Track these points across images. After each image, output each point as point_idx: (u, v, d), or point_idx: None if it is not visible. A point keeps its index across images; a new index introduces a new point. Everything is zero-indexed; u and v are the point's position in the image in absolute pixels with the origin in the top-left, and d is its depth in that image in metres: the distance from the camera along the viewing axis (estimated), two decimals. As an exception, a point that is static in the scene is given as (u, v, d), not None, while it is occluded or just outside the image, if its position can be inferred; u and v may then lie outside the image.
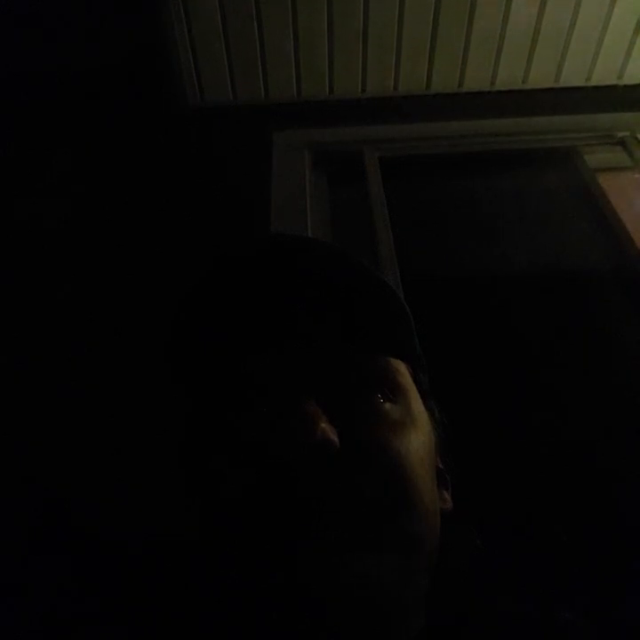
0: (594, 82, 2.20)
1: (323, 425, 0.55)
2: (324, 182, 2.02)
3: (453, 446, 0.73)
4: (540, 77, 2.18)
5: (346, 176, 2.03)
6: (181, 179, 1.94)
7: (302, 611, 0.52)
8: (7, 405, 1.32)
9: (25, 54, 2.25)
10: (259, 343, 0.63)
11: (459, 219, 1.93)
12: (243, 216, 1.78)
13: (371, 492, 0.55)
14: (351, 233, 1.86)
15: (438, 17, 2.03)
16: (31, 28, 2.22)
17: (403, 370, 0.67)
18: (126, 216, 1.81)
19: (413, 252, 1.75)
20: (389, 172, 1.96)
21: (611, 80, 2.20)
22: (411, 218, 1.90)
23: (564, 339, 1.57)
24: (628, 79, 2.20)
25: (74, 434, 1.25)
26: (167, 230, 1.75)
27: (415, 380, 0.68)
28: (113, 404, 1.30)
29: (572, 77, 2.19)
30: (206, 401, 0.65)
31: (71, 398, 1.33)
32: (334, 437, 0.55)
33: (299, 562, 0.52)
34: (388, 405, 0.62)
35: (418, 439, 0.62)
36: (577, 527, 1.15)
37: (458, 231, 1.88)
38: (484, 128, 2.07)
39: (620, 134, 2.05)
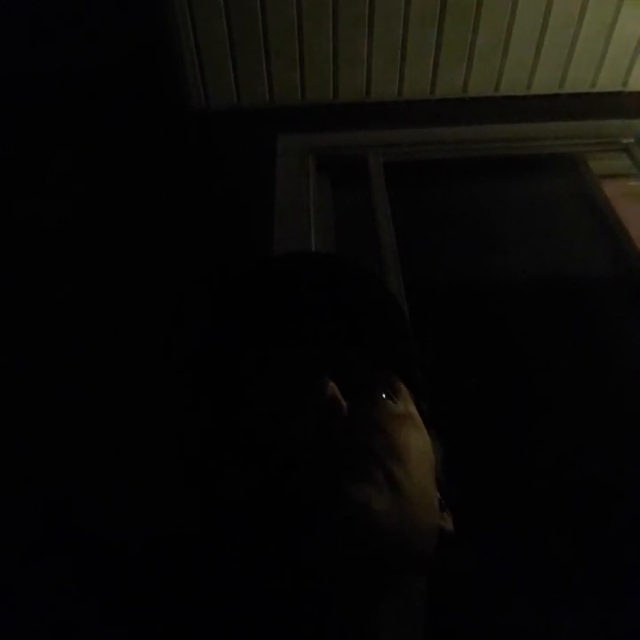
0: (598, 88, 2.21)
1: (332, 386, 0.57)
2: (328, 186, 2.02)
3: (454, 472, 0.73)
4: (545, 83, 2.19)
5: (350, 180, 2.03)
6: (184, 182, 1.94)
7: (306, 610, 0.52)
8: (7, 406, 1.32)
9: (30, 54, 2.26)
10: (267, 345, 0.65)
11: (462, 224, 1.92)
12: (246, 220, 1.78)
13: (371, 469, 0.55)
14: (355, 238, 1.86)
15: (443, 22, 2.03)
16: (37, 28, 2.22)
17: (404, 389, 0.67)
18: (128, 217, 1.81)
19: (417, 257, 1.75)
20: (393, 177, 1.96)
21: (615, 86, 2.21)
22: (414, 223, 1.89)
23: (568, 346, 1.56)
24: (633, 86, 2.20)
25: (74, 434, 1.24)
26: (169, 232, 1.75)
27: (417, 407, 0.69)
28: (113, 405, 1.30)
29: (577, 83, 2.19)
30: (223, 398, 0.66)
31: (71, 398, 1.32)
32: (343, 402, 0.57)
33: (302, 563, 0.51)
34: (390, 402, 0.63)
35: (418, 436, 0.63)
36: (577, 535, 1.14)
37: (461, 236, 1.88)
38: (488, 133, 2.06)
39: (625, 141, 2.04)
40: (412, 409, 0.66)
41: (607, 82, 2.19)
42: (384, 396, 0.63)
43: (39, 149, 2.06)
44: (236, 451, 0.60)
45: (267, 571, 0.53)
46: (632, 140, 2.04)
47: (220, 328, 0.69)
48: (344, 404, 0.58)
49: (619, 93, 2.21)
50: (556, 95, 2.21)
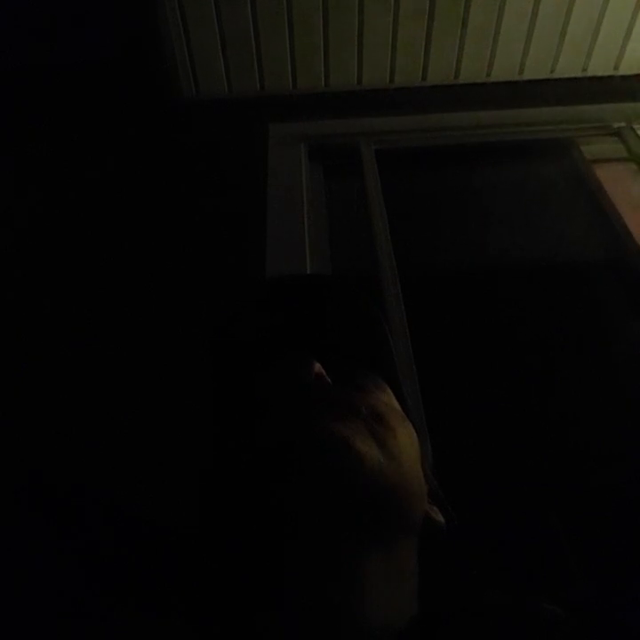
0: (590, 72, 2.20)
1: (319, 366, 0.60)
2: (321, 175, 2.02)
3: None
4: (537, 68, 2.18)
5: (342, 169, 2.02)
6: (177, 172, 1.94)
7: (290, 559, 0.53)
8: (7, 405, 1.32)
9: (22, 48, 2.26)
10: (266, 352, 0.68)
11: (455, 210, 1.93)
12: (238, 210, 1.78)
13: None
14: (348, 226, 1.86)
15: (434, 8, 2.02)
16: (28, 23, 2.21)
17: (389, 390, 0.69)
18: (124, 211, 1.81)
19: (410, 244, 1.75)
20: (386, 165, 1.95)
21: (607, 71, 2.20)
22: (407, 210, 1.90)
23: (562, 331, 1.57)
24: (625, 70, 2.20)
25: (74, 433, 1.25)
26: (162, 223, 1.75)
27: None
28: (112, 404, 1.30)
29: (569, 68, 2.19)
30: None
31: (71, 398, 1.33)
32: (328, 378, 0.60)
33: (286, 503, 0.53)
34: (377, 395, 0.65)
35: (404, 423, 0.63)
36: (572, 525, 1.15)
37: (455, 223, 1.88)
38: (480, 119, 2.06)
39: (617, 125, 2.05)
40: (397, 406, 0.67)
41: (598, 66, 2.19)
42: (371, 391, 0.65)
43: (36, 144, 2.05)
44: (235, 432, 0.62)
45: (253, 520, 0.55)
46: (624, 124, 2.04)
47: (230, 341, 0.73)
48: (329, 380, 0.60)
49: (610, 77, 2.21)
50: (548, 80, 2.20)
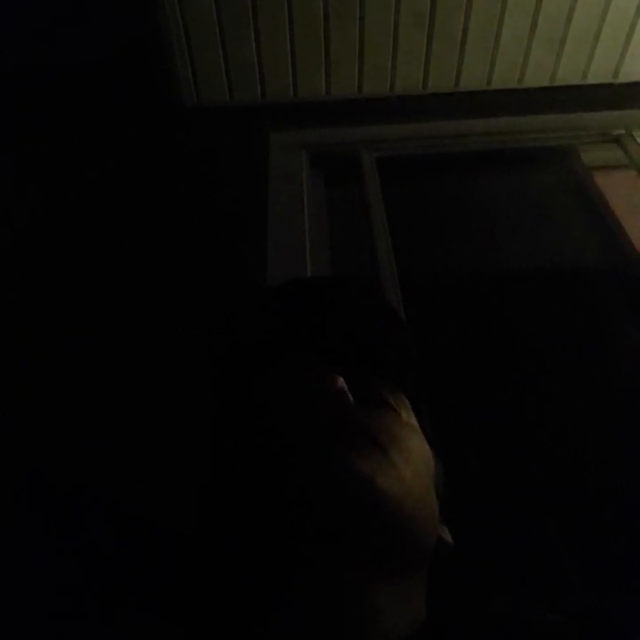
0: (589, 80, 2.21)
1: (341, 380, 0.59)
2: (322, 183, 2.02)
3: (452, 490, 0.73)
4: (536, 76, 2.19)
5: (343, 176, 2.03)
6: (178, 179, 1.94)
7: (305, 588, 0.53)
8: (7, 405, 1.32)
9: (21, 50, 2.28)
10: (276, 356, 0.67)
11: (456, 218, 1.93)
12: (240, 217, 1.78)
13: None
14: (348, 233, 1.86)
15: (434, 16, 2.03)
16: (29, 24, 2.22)
17: (407, 402, 0.68)
18: (124, 212, 1.81)
19: (411, 251, 1.76)
20: (386, 172, 1.96)
21: (606, 78, 2.21)
22: (408, 218, 1.90)
23: (560, 336, 1.57)
24: (624, 77, 2.20)
25: (74, 433, 1.25)
26: (162, 229, 1.75)
27: (419, 424, 0.69)
28: (112, 404, 1.30)
29: (568, 76, 2.19)
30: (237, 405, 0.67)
31: (71, 395, 1.33)
32: (350, 395, 0.59)
33: (302, 534, 0.52)
34: (394, 411, 0.64)
35: (419, 441, 0.63)
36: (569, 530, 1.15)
37: (455, 230, 1.89)
38: (480, 127, 2.07)
39: (616, 132, 2.05)
40: (414, 422, 0.67)
41: (598, 74, 2.19)
42: (389, 407, 0.64)
43: (35, 148, 2.06)
44: (241, 436, 0.61)
45: (267, 546, 0.54)
46: (623, 132, 2.04)
47: (231, 342, 0.72)
48: (351, 397, 0.59)
49: (610, 85, 2.22)
50: (548, 88, 2.21)
